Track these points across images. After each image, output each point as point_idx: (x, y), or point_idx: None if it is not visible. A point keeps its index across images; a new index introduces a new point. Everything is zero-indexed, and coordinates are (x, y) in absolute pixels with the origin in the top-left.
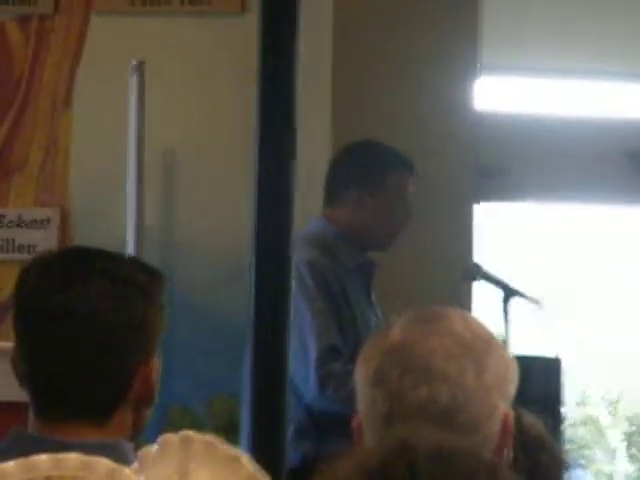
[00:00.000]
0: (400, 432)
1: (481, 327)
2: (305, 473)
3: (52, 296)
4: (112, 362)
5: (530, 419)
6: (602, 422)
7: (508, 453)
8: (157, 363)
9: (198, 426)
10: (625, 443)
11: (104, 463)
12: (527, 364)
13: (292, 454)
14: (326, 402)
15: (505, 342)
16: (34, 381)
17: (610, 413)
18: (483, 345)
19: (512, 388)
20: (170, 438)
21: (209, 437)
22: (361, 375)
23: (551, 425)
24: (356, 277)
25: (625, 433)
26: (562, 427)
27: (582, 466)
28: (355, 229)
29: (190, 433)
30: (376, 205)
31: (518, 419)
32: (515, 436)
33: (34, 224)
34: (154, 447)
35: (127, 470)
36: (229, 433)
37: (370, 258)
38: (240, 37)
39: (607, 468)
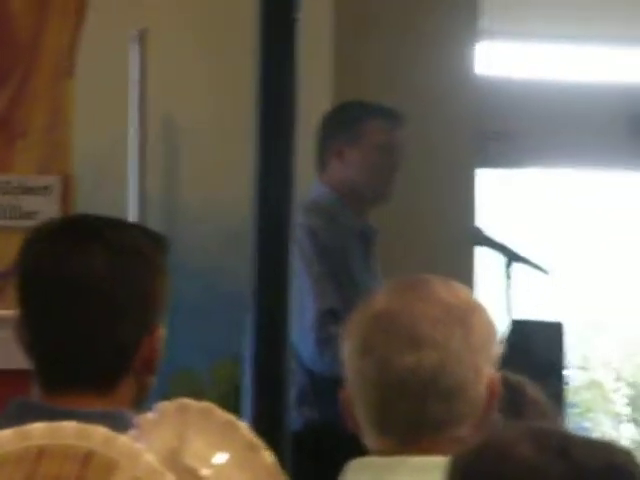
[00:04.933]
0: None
1: (464, 292)
2: (308, 438)
3: (57, 266)
4: (117, 332)
5: (534, 392)
6: (606, 387)
7: (495, 416)
8: (162, 332)
9: (200, 392)
10: (630, 408)
11: (100, 431)
12: (529, 328)
13: (295, 418)
14: (324, 365)
15: (507, 307)
16: (38, 350)
17: (614, 378)
18: (467, 309)
19: (496, 351)
20: (166, 406)
21: (205, 404)
22: (348, 346)
23: (554, 389)
24: (357, 242)
25: (629, 397)
26: (564, 391)
27: (586, 430)
28: (344, 186)
29: (186, 400)
30: (357, 156)
31: (521, 389)
32: (515, 405)
33: (37, 191)
34: (151, 415)
35: (124, 438)
36: (232, 398)
37: (371, 224)
38: (241, 4)
39: (612, 432)
